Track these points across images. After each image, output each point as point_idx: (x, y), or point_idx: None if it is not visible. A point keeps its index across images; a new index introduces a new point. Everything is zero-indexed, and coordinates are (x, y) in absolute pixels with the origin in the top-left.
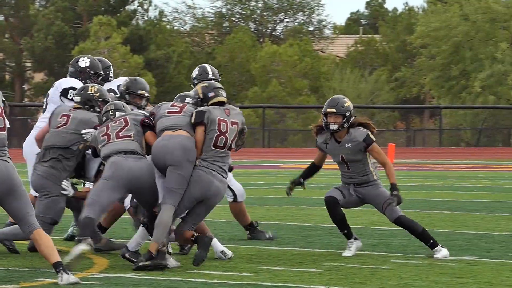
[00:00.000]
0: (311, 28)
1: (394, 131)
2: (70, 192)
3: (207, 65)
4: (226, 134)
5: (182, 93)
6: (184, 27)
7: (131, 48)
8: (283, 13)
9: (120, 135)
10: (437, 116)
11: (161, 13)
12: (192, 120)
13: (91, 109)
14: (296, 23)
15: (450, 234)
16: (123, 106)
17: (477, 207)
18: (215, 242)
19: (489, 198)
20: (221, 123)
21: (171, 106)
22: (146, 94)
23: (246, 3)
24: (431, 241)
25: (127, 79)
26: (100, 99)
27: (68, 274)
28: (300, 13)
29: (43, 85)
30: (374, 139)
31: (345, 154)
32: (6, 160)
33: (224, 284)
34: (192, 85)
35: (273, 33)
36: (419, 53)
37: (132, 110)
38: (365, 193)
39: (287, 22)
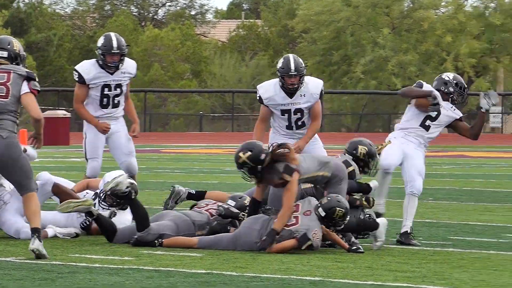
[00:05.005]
0: (193, 12)
1: None
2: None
3: (291, 58)
4: None
5: None
6: (66, 10)
7: (12, 31)
8: None
9: None
10: None
11: None
12: None
13: None
14: (178, 7)
15: None
16: None
17: None
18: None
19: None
20: None
21: None
22: None
23: None
24: None
25: None
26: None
27: (40, 242)
28: None
29: None
30: None
31: None
32: None
33: (106, 269)
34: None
35: (155, 17)
36: (301, 38)
37: None
38: None
39: (169, 6)
